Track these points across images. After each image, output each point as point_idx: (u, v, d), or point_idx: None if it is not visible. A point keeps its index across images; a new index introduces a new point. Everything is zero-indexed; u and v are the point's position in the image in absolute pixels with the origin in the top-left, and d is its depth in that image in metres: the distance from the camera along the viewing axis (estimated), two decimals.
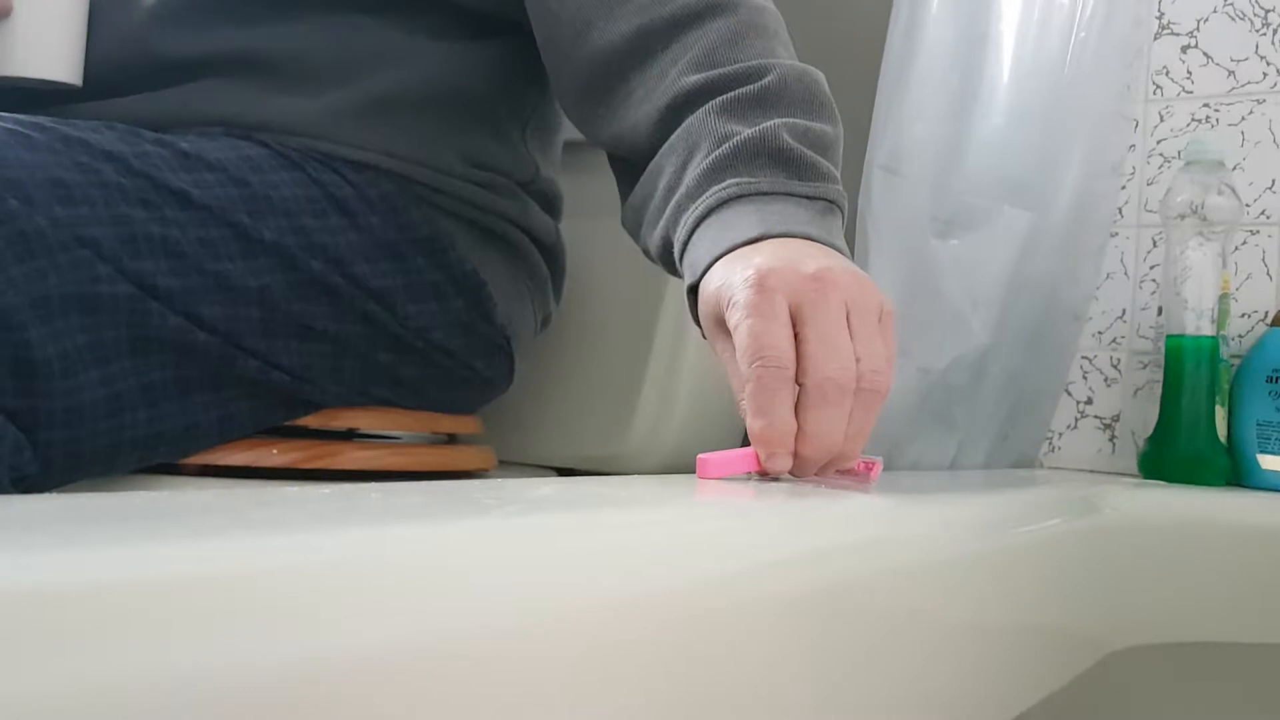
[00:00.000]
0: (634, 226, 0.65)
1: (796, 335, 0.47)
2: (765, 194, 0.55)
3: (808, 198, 0.55)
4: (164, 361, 0.61)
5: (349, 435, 0.77)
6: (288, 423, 0.72)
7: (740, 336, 0.47)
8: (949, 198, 0.86)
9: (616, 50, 0.65)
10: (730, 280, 0.50)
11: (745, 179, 0.55)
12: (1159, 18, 1.04)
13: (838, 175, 0.58)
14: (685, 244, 0.57)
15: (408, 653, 0.20)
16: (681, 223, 0.57)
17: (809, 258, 0.50)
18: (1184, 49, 1.03)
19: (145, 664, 0.16)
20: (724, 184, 0.56)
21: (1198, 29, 1.03)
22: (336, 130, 0.70)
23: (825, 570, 0.35)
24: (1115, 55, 0.96)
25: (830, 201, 0.56)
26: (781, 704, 0.32)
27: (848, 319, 0.48)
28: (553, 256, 0.84)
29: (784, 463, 0.47)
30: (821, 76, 0.61)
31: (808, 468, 0.48)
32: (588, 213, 0.97)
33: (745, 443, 0.49)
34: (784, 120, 0.57)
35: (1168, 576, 0.73)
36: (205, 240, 0.62)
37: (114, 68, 0.70)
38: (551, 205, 0.83)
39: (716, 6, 0.62)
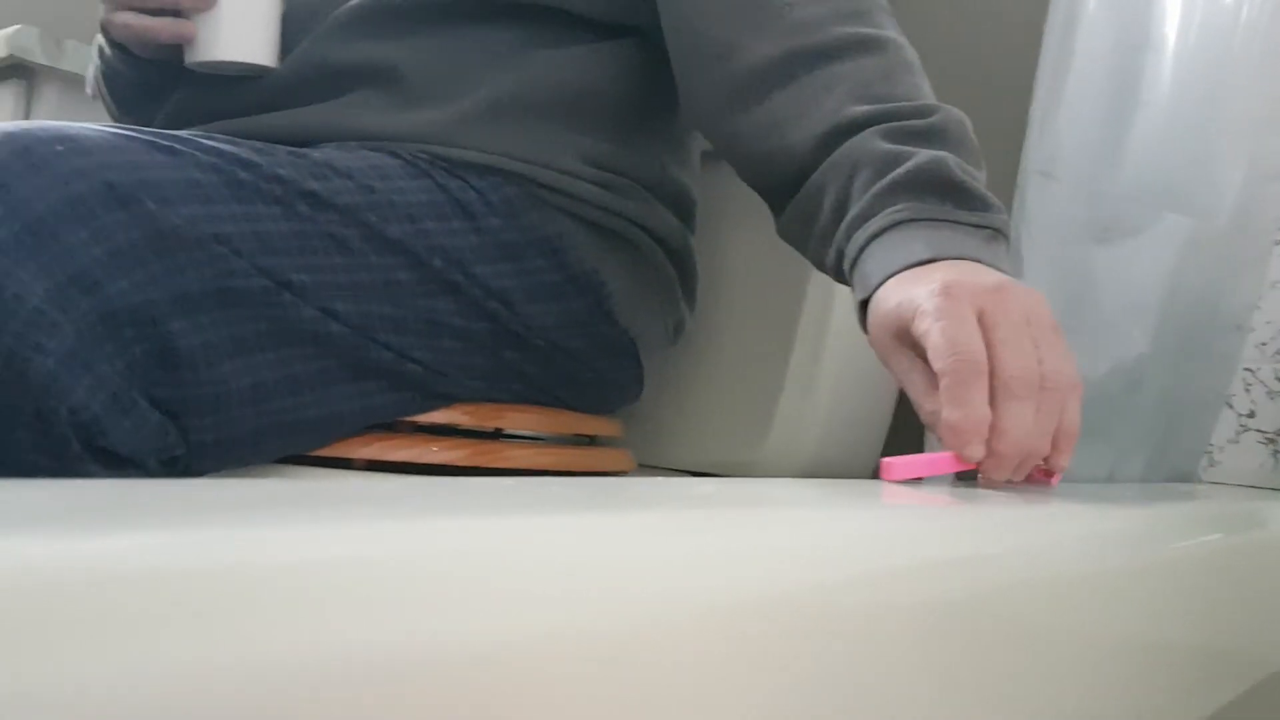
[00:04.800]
0: (796, 239, 0.69)
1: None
2: (934, 220, 0.58)
3: (975, 225, 0.59)
4: (303, 353, 0.64)
5: (496, 435, 0.80)
6: (436, 419, 0.75)
7: (934, 338, 0.51)
8: (1106, 203, 0.84)
9: (761, 71, 0.67)
10: (913, 294, 0.53)
11: (917, 204, 0.59)
12: None
13: (1000, 205, 0.61)
14: (855, 260, 0.60)
15: (562, 640, 0.21)
16: (853, 240, 0.60)
17: (986, 274, 0.54)
18: None
19: (336, 637, 0.18)
20: (896, 207, 0.59)
21: None
22: (462, 136, 0.73)
23: (971, 577, 0.35)
24: (1279, 58, 0.92)
25: (995, 230, 0.60)
26: (921, 713, 0.32)
27: (1028, 328, 0.52)
28: (680, 259, 0.85)
29: (978, 451, 0.50)
30: (969, 123, 0.65)
31: (1003, 465, 0.51)
32: (727, 218, 0.98)
33: (890, 451, 0.51)
34: (949, 154, 0.60)
35: None
36: (335, 237, 0.65)
37: (286, 79, 0.75)
38: (681, 208, 0.85)
39: (865, 43, 0.66)
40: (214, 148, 0.63)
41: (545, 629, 0.21)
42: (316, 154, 0.68)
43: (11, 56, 1.26)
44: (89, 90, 0.87)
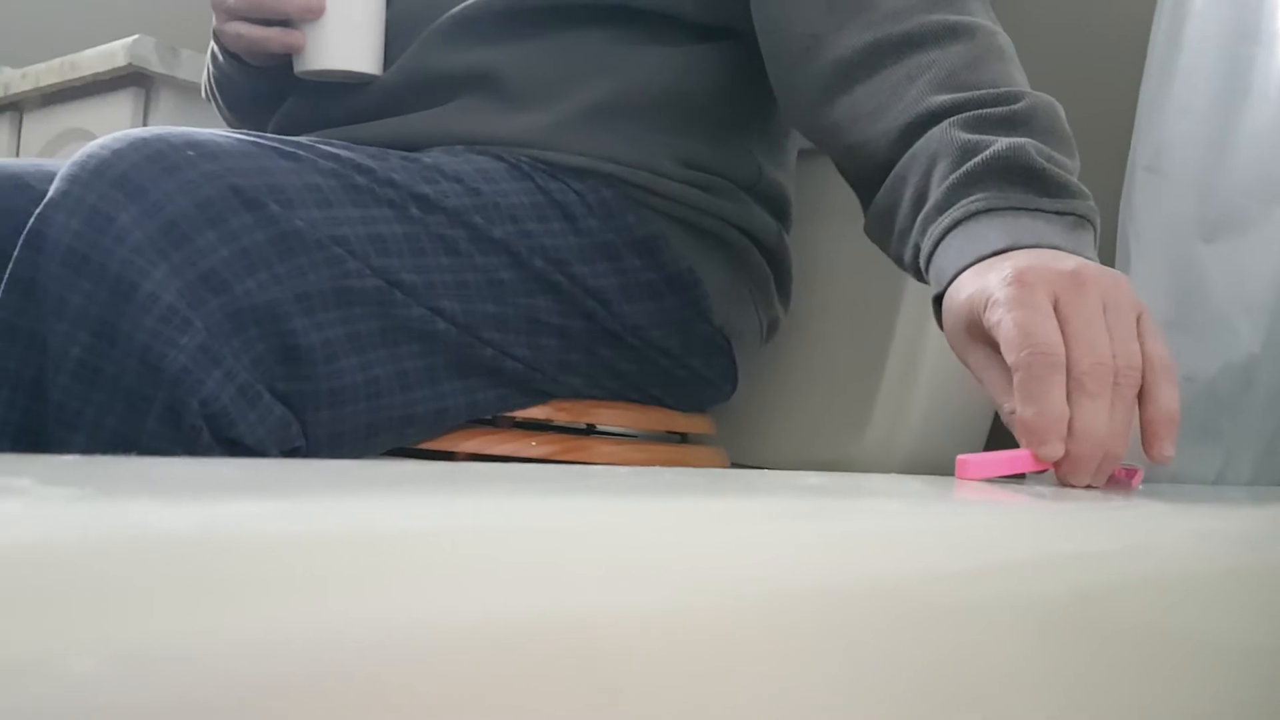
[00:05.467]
0: (879, 236, 0.67)
1: None
2: (1013, 209, 0.56)
3: (1056, 213, 0.56)
4: (413, 350, 0.66)
5: (589, 431, 0.82)
6: (532, 415, 0.76)
7: (1005, 329, 0.48)
8: (1216, 199, 0.82)
9: (845, 63, 0.66)
10: (985, 283, 0.51)
11: (993, 193, 0.56)
12: None
13: (1087, 192, 0.58)
14: (931, 254, 0.58)
15: (664, 616, 0.21)
16: (929, 234, 0.58)
17: (1062, 259, 0.51)
18: None
19: (471, 604, 0.19)
20: (972, 197, 0.57)
21: None
22: (561, 140, 0.75)
23: (1071, 576, 0.35)
24: None
25: (1080, 216, 0.57)
26: (1015, 712, 0.32)
27: (1105, 317, 0.49)
28: (775, 258, 0.85)
29: (1056, 450, 0.47)
30: (1062, 110, 0.62)
31: (1079, 467, 0.48)
32: (823, 217, 0.98)
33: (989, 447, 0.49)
34: (1030, 141, 0.58)
35: None
36: (443, 238, 0.67)
37: (391, 86, 0.77)
38: (777, 207, 0.85)
39: (953, 29, 0.64)
40: (332, 153, 0.65)
41: (649, 606, 0.21)
42: (426, 158, 0.70)
43: (130, 65, 1.31)
44: (203, 95, 0.91)
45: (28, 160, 0.75)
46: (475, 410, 0.72)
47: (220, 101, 0.89)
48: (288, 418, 0.61)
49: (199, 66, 1.34)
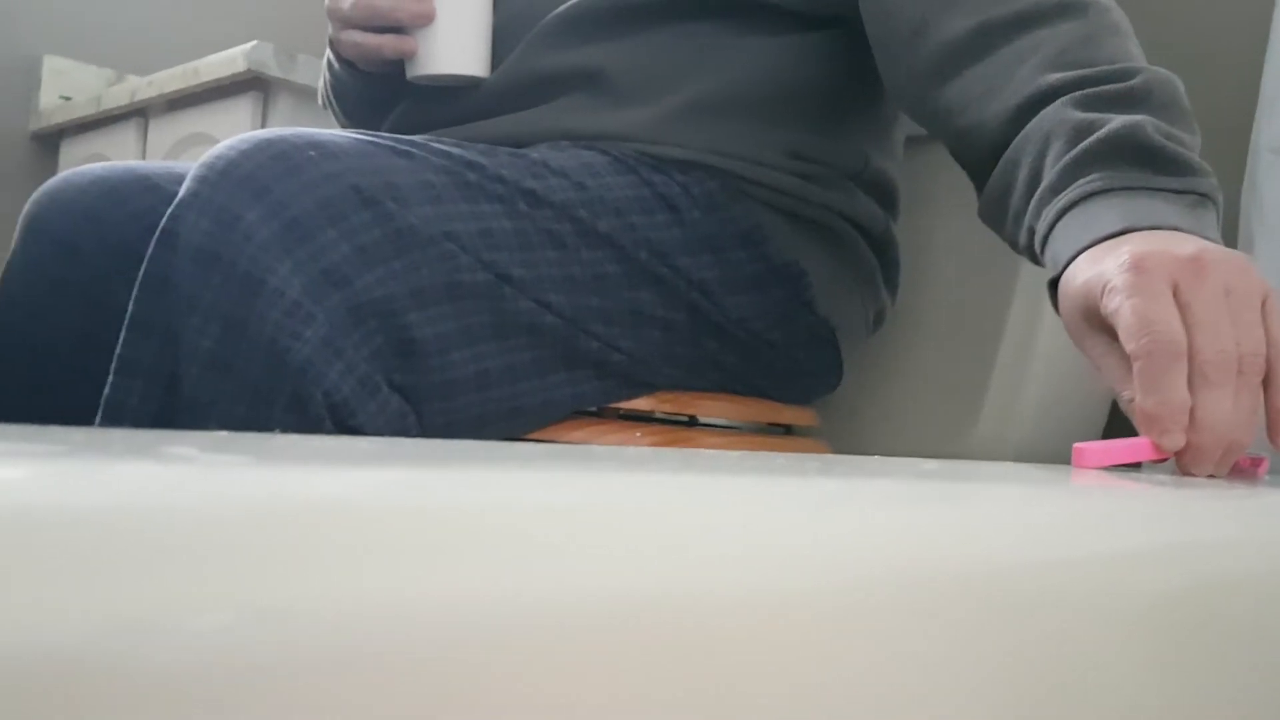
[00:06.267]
0: (994, 220, 0.66)
1: None
2: (1130, 189, 0.54)
3: (1175, 192, 0.54)
4: (521, 343, 0.68)
5: (692, 422, 0.82)
6: (636, 406, 0.77)
7: (1124, 316, 0.47)
8: None
9: (954, 46, 0.65)
10: (1102, 269, 0.50)
11: (1109, 173, 0.55)
12: None
13: (1209, 169, 0.56)
14: (1046, 237, 0.57)
15: (779, 595, 0.22)
16: (1043, 216, 0.57)
17: (1182, 242, 0.49)
18: None
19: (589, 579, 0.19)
20: (1088, 178, 0.55)
21: None
22: (666, 133, 0.75)
23: (1191, 566, 0.34)
24: None
25: (1202, 195, 0.55)
26: (1128, 704, 0.31)
27: (1227, 302, 0.47)
28: (882, 247, 0.84)
29: (1177, 440, 0.46)
30: (1181, 85, 0.60)
31: (1202, 457, 0.47)
32: (932, 205, 0.97)
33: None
34: (1147, 118, 0.56)
35: None
36: (550, 233, 0.68)
37: (499, 87, 0.79)
38: (883, 196, 0.84)
39: (1065, 7, 0.62)
40: (444, 150, 0.67)
41: (762, 586, 0.22)
42: (534, 154, 0.72)
43: (249, 70, 1.36)
44: (320, 102, 0.94)
45: (156, 163, 0.79)
46: (580, 402, 0.73)
47: (336, 107, 0.92)
48: (404, 408, 0.62)
49: (315, 71, 1.38)
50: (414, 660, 0.17)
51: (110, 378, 0.58)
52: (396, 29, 0.77)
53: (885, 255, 0.85)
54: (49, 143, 1.85)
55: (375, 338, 0.60)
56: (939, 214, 0.97)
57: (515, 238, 0.67)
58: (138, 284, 0.58)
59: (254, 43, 1.36)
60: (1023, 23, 0.63)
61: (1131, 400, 0.48)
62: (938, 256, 0.97)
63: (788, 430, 0.88)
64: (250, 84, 1.41)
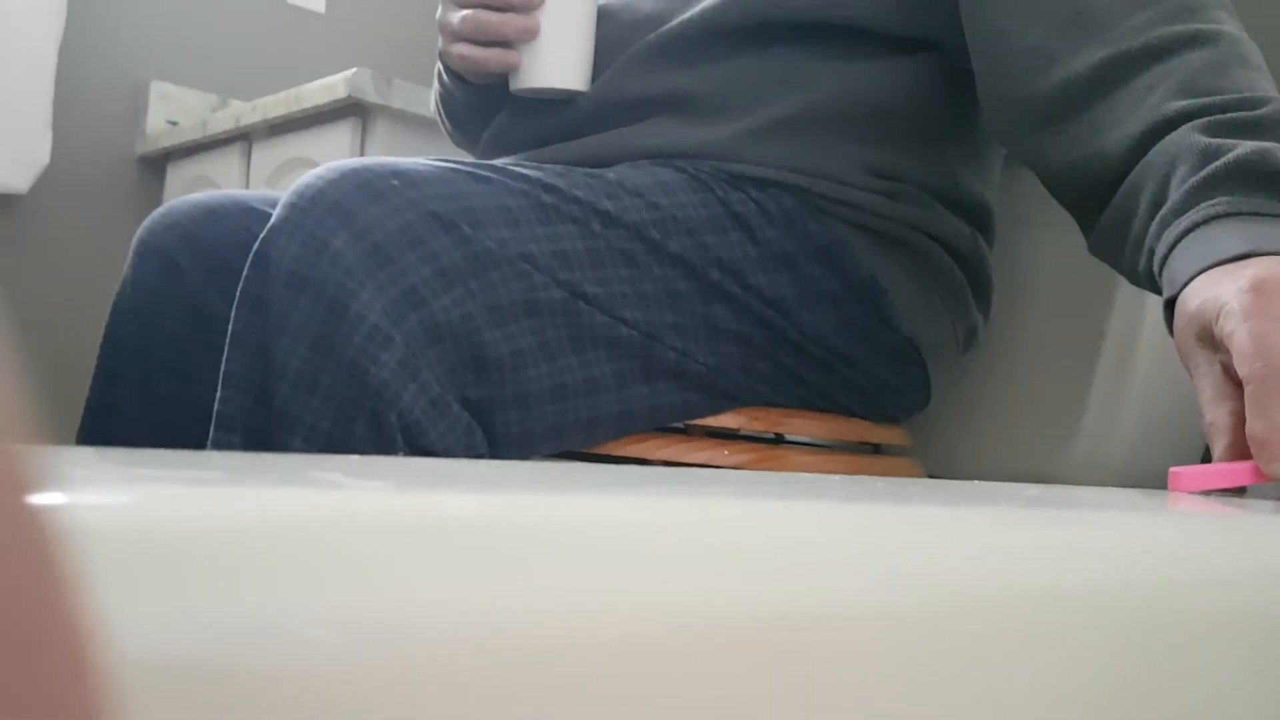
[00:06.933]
0: (1109, 249, 0.65)
1: None
2: (1256, 214, 0.54)
3: None
4: (600, 357, 0.69)
5: (779, 440, 0.82)
6: (723, 423, 0.77)
7: (1239, 340, 0.47)
8: None
9: (1082, 80, 0.64)
10: (1219, 291, 0.49)
11: (1235, 197, 0.54)
12: None
13: None
14: (1165, 258, 0.56)
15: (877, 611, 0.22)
16: (1164, 238, 0.57)
17: None
18: None
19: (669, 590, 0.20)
20: (1212, 201, 0.55)
21: None
22: (744, 151, 0.76)
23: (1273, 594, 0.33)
24: None
25: None
26: None
27: None
28: (971, 265, 0.83)
29: None
30: None
31: None
32: (1027, 223, 0.95)
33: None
34: (1277, 145, 0.56)
35: None
36: (623, 251, 0.70)
37: (589, 109, 0.80)
38: (973, 214, 0.83)
39: (1195, 37, 0.62)
40: (522, 174, 0.69)
41: (874, 606, 0.22)
42: (610, 174, 0.73)
43: (349, 96, 1.40)
44: (432, 108, 0.97)
45: (254, 191, 0.84)
46: (660, 415, 0.74)
47: (444, 117, 0.95)
48: (472, 426, 0.65)
49: (410, 96, 1.42)
50: (518, 671, 0.18)
51: (219, 390, 0.62)
52: (503, 43, 0.80)
53: (975, 273, 0.84)
54: (156, 165, 1.93)
55: (450, 356, 0.62)
56: (1034, 232, 0.96)
57: (588, 257, 0.69)
58: (236, 302, 0.62)
59: (354, 70, 1.41)
60: (1152, 55, 0.62)
61: (1213, 423, 0.48)
62: (1033, 274, 0.96)
63: (877, 449, 0.88)
64: (350, 109, 1.45)
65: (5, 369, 0.12)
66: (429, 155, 1.44)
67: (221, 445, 0.61)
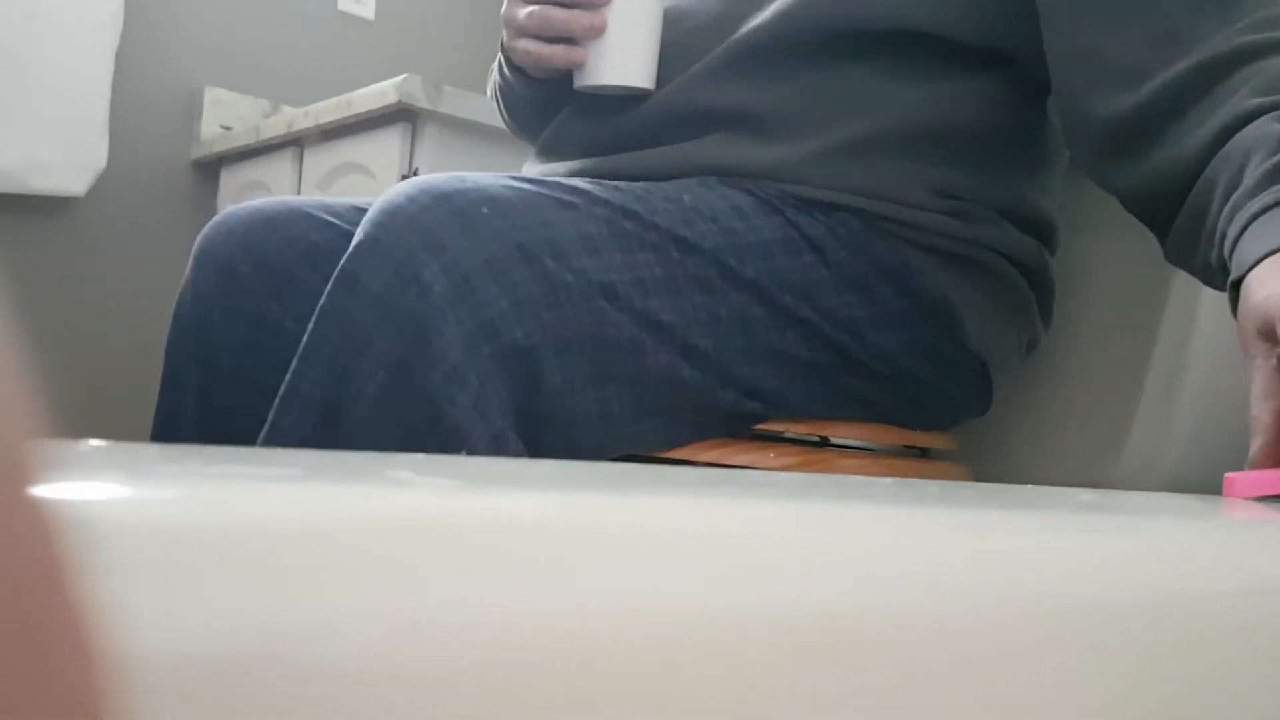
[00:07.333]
0: (1186, 249, 0.65)
1: None
2: None
3: None
4: (655, 394, 0.70)
5: (824, 443, 0.82)
6: (768, 426, 0.77)
7: None
8: None
9: (1173, 90, 0.64)
10: None
11: None
12: None
13: None
14: (1236, 240, 0.56)
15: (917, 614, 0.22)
16: (1235, 220, 0.56)
17: None
18: None
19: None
20: None
21: None
22: (812, 174, 0.76)
23: None
24: None
25: None
26: None
27: None
28: (1037, 279, 0.83)
29: None
30: None
31: None
32: (1081, 229, 0.95)
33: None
34: None
35: None
36: (699, 278, 0.70)
37: (654, 118, 0.80)
38: (1039, 230, 0.82)
39: (1278, 43, 0.62)
40: (605, 200, 0.70)
41: (928, 610, 0.22)
42: (686, 198, 0.73)
43: (400, 102, 1.42)
44: (489, 94, 0.98)
45: (308, 197, 0.84)
46: (701, 438, 0.75)
47: (503, 109, 0.95)
48: (519, 447, 0.65)
49: (459, 102, 1.43)
50: (558, 669, 0.18)
51: (278, 401, 0.62)
52: (568, 40, 0.80)
53: (1041, 286, 0.84)
54: (209, 170, 1.96)
55: (511, 382, 0.63)
56: (1086, 238, 0.95)
57: (665, 284, 0.69)
58: (315, 317, 0.62)
59: (404, 76, 1.42)
60: (1240, 59, 0.62)
61: (1256, 418, 0.49)
62: (1085, 280, 0.95)
63: (924, 453, 0.87)
64: (400, 115, 1.47)
65: (14, 368, 0.12)
66: (479, 160, 1.45)
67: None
